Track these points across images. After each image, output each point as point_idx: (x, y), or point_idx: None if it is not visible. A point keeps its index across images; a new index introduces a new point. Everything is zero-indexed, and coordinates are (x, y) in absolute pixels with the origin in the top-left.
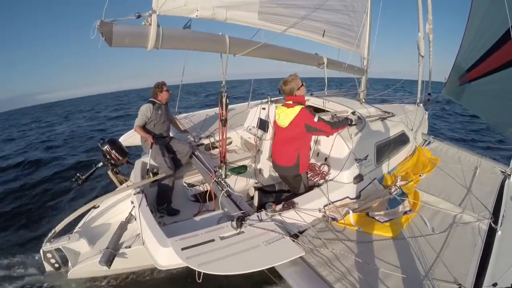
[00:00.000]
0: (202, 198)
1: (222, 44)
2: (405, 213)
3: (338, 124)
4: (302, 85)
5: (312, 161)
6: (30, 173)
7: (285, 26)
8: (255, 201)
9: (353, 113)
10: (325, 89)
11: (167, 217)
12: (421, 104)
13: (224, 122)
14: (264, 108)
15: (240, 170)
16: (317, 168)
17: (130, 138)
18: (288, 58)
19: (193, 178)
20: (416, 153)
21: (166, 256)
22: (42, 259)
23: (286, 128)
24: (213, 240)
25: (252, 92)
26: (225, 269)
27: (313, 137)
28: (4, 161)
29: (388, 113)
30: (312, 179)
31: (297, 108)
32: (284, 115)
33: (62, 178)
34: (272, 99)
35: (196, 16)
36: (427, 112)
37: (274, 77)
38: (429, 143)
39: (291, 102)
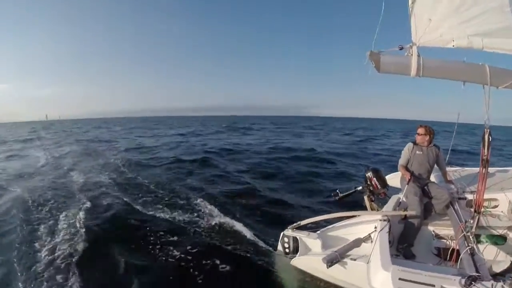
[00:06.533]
0: (444, 255)
1: (482, 75)
2: None
3: None
4: None
5: None
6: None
7: None
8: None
9: None
10: None
11: (401, 258)
12: None
13: (485, 162)
14: None
15: (497, 241)
16: None
17: (394, 179)
18: None
19: (443, 230)
20: None
21: (381, 279)
22: (280, 239)
23: None
24: (433, 286)
25: None
26: None
27: None
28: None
29: None
30: None
31: None
32: None
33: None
34: None
35: (453, 46)
36: None
37: None
38: None
39: None
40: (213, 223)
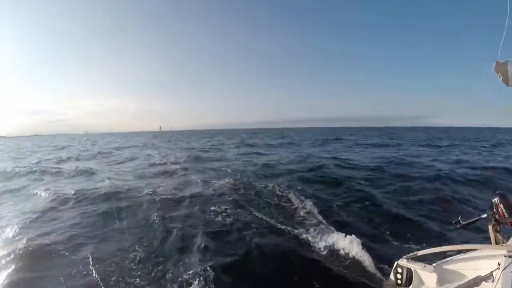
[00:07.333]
0: None
1: None
2: None
3: None
4: None
5: None
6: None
7: None
8: None
9: None
10: None
11: None
12: None
13: None
14: None
15: None
16: None
17: None
18: None
19: None
20: None
21: None
22: (393, 269)
23: None
24: None
25: None
26: None
27: None
28: None
29: None
30: None
31: None
32: None
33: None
34: None
35: None
36: None
37: None
38: None
39: None
40: (323, 236)
